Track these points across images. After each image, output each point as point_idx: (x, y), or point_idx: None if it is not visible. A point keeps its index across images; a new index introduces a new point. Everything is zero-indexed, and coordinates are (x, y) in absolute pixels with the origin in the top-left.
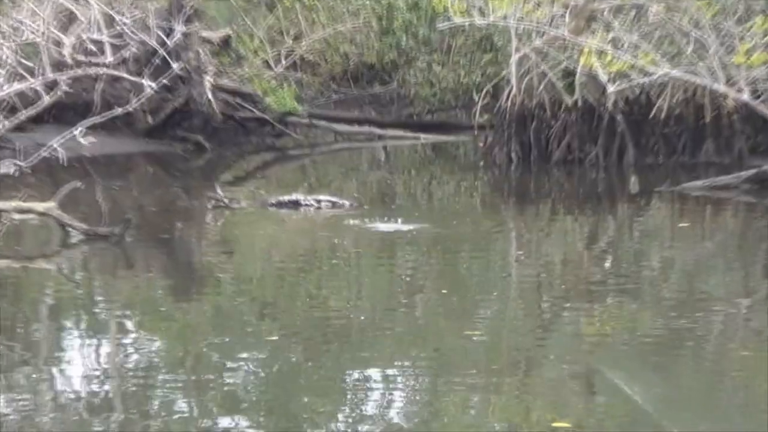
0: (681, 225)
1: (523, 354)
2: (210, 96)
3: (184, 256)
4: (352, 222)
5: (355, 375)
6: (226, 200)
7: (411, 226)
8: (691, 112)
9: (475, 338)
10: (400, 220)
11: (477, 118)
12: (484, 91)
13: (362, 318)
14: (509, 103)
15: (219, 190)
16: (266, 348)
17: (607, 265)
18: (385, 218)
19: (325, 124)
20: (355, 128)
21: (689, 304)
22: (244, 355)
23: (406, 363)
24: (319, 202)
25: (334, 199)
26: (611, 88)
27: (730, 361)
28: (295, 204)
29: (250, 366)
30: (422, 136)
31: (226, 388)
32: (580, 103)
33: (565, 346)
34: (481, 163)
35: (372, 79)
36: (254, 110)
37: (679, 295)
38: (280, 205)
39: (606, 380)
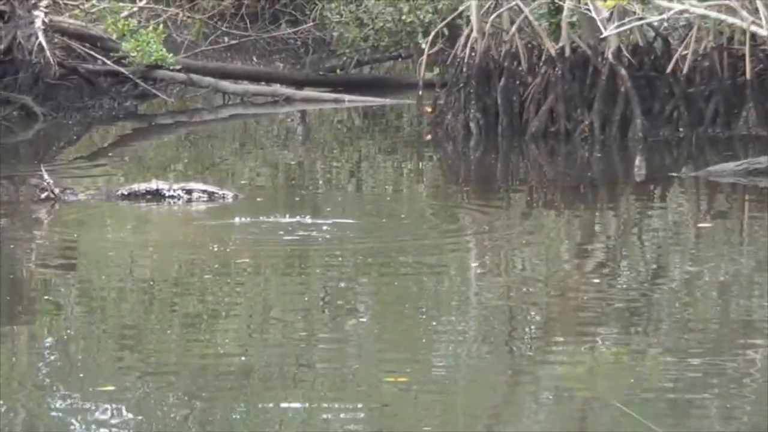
0: (702, 225)
1: (479, 423)
2: (42, 40)
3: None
4: (239, 221)
5: None
6: (55, 190)
7: (324, 228)
8: (725, 65)
9: (413, 396)
10: (308, 218)
11: (422, 72)
12: (433, 34)
13: (258, 362)
14: (468, 50)
15: (46, 176)
16: (123, 408)
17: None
18: (287, 216)
19: (209, 81)
20: (252, 87)
21: (713, 341)
22: (92, 418)
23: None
24: (189, 192)
25: (211, 188)
26: (610, 30)
27: None
28: (156, 195)
29: None
30: (347, 97)
31: None
32: (568, 52)
33: (535, 412)
34: (428, 137)
35: (277, 16)
36: (105, 61)
37: (699, 327)
38: (134, 196)
39: None
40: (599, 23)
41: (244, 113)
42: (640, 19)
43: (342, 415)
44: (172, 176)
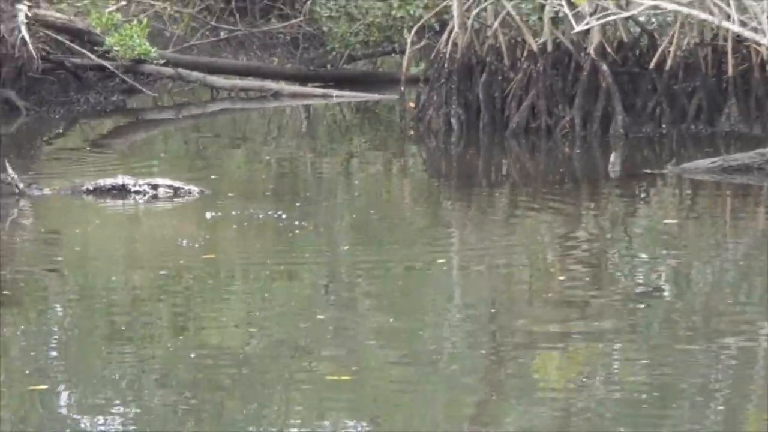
0: (667, 221)
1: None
2: (25, 34)
3: None
4: (209, 216)
5: None
6: (20, 185)
7: (295, 225)
8: (709, 61)
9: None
10: (282, 215)
11: (405, 67)
12: (415, 29)
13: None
14: (450, 46)
15: (11, 171)
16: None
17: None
18: (258, 213)
19: (197, 76)
20: (241, 82)
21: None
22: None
23: None
24: (155, 187)
25: (177, 184)
26: (581, 26)
27: None
28: (122, 190)
29: None
30: (335, 92)
31: None
32: (550, 47)
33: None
34: (411, 133)
35: (267, 11)
36: (89, 55)
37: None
38: (99, 192)
39: None
40: (571, 19)
41: (231, 108)
42: (612, 14)
43: (338, 403)
44: (156, 170)
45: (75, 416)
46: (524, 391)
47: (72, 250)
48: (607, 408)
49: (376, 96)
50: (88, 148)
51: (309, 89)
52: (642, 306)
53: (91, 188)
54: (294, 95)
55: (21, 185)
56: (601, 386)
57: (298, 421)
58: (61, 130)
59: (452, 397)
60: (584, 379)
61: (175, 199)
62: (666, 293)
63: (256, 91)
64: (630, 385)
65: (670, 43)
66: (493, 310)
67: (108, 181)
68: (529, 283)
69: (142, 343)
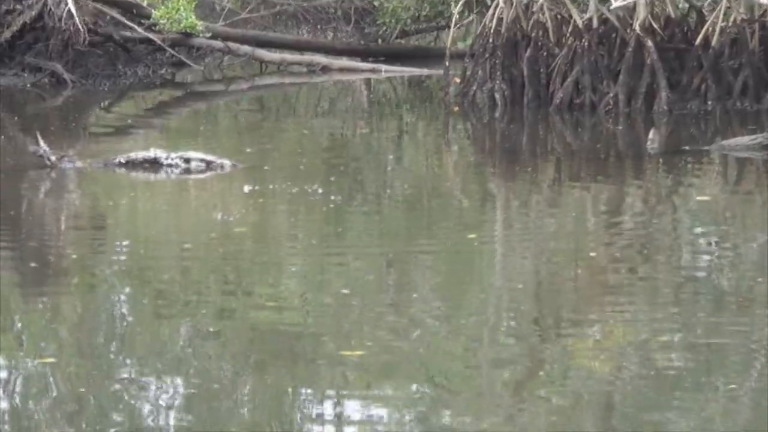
0: (700, 198)
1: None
2: (71, 6)
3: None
4: (247, 189)
5: None
6: (51, 157)
7: (330, 199)
8: (756, 38)
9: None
10: (317, 189)
11: (449, 42)
12: (461, 4)
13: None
14: (495, 21)
15: (42, 143)
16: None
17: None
18: (292, 187)
19: (246, 50)
20: (289, 56)
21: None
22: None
23: None
24: (187, 161)
25: (209, 157)
26: (619, 2)
27: None
28: (154, 163)
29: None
30: (384, 67)
31: None
32: (595, 23)
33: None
34: (456, 108)
35: None
36: (136, 28)
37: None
38: (131, 165)
39: None
40: None
41: (280, 82)
42: None
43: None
44: (198, 143)
45: (132, 386)
46: (566, 367)
47: (104, 223)
48: (649, 384)
49: (424, 71)
50: (130, 121)
51: (357, 64)
52: (683, 280)
53: (123, 161)
54: (342, 70)
55: (53, 158)
56: (642, 363)
57: (350, 391)
58: (107, 103)
59: (494, 375)
60: (626, 355)
61: (207, 173)
62: (707, 268)
63: (304, 66)
64: (671, 361)
65: (716, 19)
66: (534, 287)
67: (140, 155)
68: (572, 259)
69: (189, 314)
